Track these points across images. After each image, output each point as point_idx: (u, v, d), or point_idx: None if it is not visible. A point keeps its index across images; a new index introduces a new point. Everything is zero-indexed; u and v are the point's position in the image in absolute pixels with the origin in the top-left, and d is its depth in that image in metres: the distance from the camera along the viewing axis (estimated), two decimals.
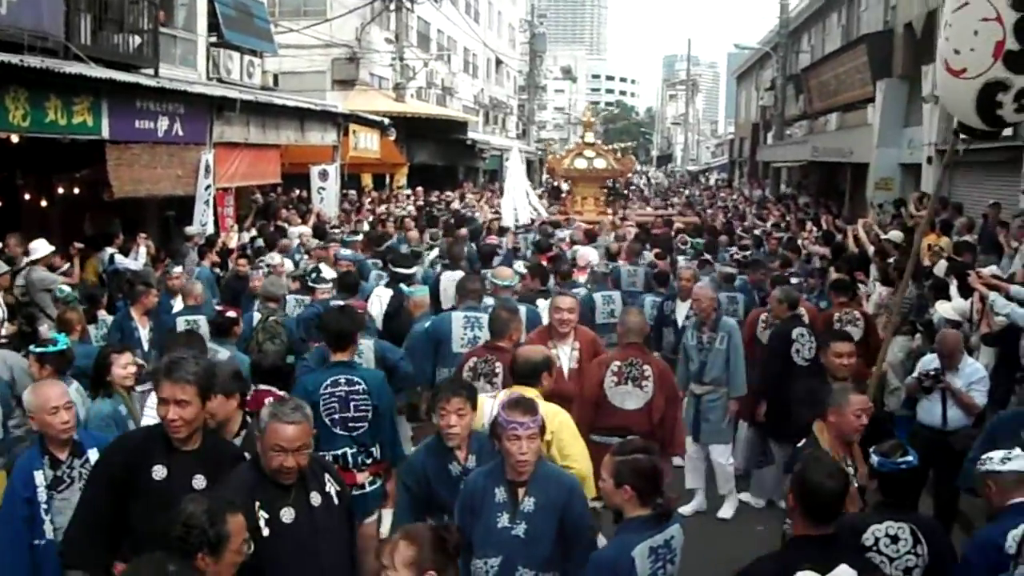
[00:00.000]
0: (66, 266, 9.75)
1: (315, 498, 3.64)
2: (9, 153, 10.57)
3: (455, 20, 36.79)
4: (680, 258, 12.24)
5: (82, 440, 4.34)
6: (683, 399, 6.86)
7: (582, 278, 9.73)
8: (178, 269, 9.25)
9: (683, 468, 7.26)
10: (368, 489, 5.14)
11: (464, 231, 13.15)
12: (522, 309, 6.79)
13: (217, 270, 10.90)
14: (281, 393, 5.00)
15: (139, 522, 3.56)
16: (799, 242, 13.96)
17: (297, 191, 18.84)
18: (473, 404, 4.23)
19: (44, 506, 4.15)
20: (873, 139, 19.74)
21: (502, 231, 14.28)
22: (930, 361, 6.56)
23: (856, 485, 4.33)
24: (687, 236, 14.15)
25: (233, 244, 12.53)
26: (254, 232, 13.65)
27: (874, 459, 3.87)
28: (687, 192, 38.41)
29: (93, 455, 4.19)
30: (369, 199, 21.00)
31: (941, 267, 9.40)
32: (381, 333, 7.44)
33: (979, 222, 12.27)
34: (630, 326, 6.06)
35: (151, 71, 13.19)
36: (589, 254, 10.91)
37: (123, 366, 5.28)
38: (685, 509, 6.88)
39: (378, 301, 8.16)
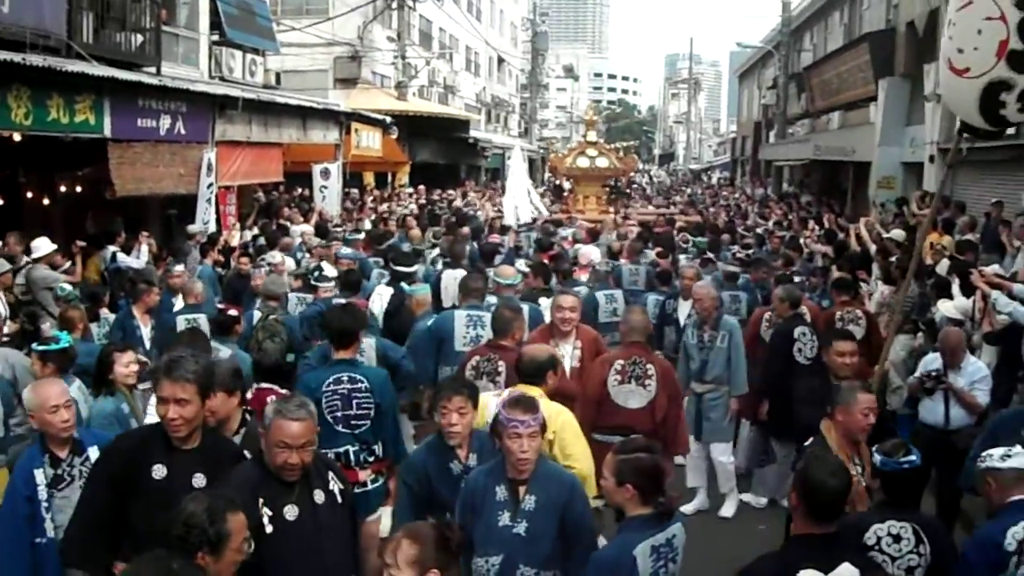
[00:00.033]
0: (67, 264, 9.77)
1: (319, 496, 3.64)
2: (11, 151, 10.58)
3: (457, 18, 36.80)
4: (682, 257, 12.22)
5: (82, 438, 4.34)
6: (684, 398, 6.86)
7: (583, 277, 9.73)
8: (179, 267, 9.26)
9: (684, 467, 7.26)
10: (370, 487, 5.15)
11: (466, 229, 13.15)
12: (525, 308, 6.78)
13: (219, 269, 10.91)
14: (283, 391, 5.00)
15: (139, 521, 3.55)
16: (801, 241, 13.93)
17: (299, 189, 18.84)
18: (474, 403, 4.23)
19: (45, 504, 4.16)
20: (875, 138, 19.74)
21: (504, 229, 14.27)
22: (932, 361, 6.55)
23: (864, 485, 4.33)
24: (689, 235, 14.13)
25: (235, 242, 12.54)
26: (256, 230, 13.67)
27: (877, 458, 3.86)
28: (689, 191, 38.37)
29: (93, 453, 4.19)
30: (371, 197, 21.00)
31: (943, 266, 9.39)
32: (383, 332, 7.44)
33: (982, 221, 12.26)
34: (633, 325, 6.05)
35: (153, 69, 13.20)
36: (591, 253, 10.90)
37: (125, 364, 5.29)
38: (687, 508, 6.88)
39: (379, 299, 8.16)
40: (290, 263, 10.52)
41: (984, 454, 3.91)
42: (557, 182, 28.90)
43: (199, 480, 3.61)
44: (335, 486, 3.74)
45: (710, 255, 11.63)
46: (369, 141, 20.24)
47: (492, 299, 7.12)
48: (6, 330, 7.19)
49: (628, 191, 29.91)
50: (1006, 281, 7.74)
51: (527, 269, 9.16)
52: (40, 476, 4.18)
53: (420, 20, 33.20)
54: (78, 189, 13.24)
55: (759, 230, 16.72)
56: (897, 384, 8.27)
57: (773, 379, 7.09)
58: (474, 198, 24.15)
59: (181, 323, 7.36)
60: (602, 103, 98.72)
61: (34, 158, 11.58)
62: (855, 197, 22.37)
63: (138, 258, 10.96)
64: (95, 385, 5.29)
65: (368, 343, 6.09)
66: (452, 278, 9.07)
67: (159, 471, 3.61)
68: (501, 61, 48.23)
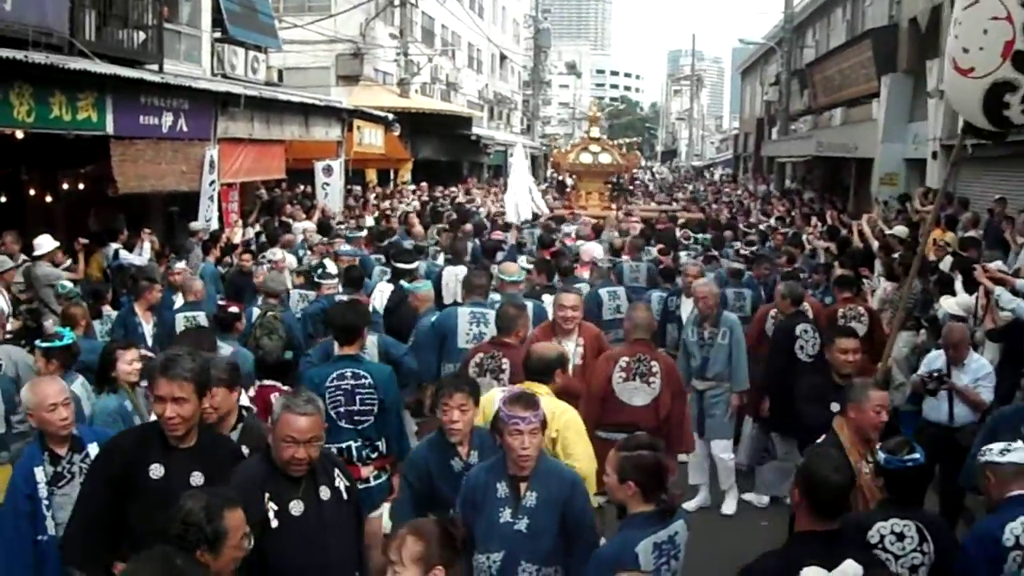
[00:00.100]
0: (68, 262, 9.78)
1: (324, 492, 3.64)
2: (14, 149, 10.58)
3: (459, 15, 36.79)
4: (683, 254, 12.19)
5: (82, 435, 4.33)
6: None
7: (585, 274, 9.72)
8: (180, 264, 9.25)
9: (687, 464, 7.26)
10: (373, 483, 5.16)
11: (469, 226, 13.15)
12: (529, 305, 6.78)
13: (220, 268, 10.91)
14: (285, 388, 5.00)
15: (138, 521, 3.53)
16: (804, 237, 13.92)
17: (301, 187, 18.84)
18: (476, 400, 4.23)
19: (45, 502, 4.15)
20: (878, 134, 19.71)
21: (506, 227, 14.26)
22: (935, 359, 6.53)
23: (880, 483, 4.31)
24: (690, 231, 14.10)
25: (237, 240, 12.54)
26: (258, 227, 13.67)
27: (880, 456, 3.84)
28: (692, 187, 38.37)
29: (93, 450, 4.19)
30: (374, 195, 20.99)
31: (946, 262, 9.38)
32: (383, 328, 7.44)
33: (985, 217, 12.24)
34: (638, 322, 6.04)
35: (155, 67, 13.19)
36: (593, 250, 10.89)
37: (128, 362, 5.28)
38: (689, 505, 6.88)
39: (380, 296, 8.16)
40: (292, 260, 10.52)
41: (984, 448, 3.90)
42: (560, 178, 28.88)
43: (197, 479, 3.59)
44: (341, 483, 3.74)
45: (714, 252, 11.62)
46: (371, 138, 20.23)
47: (495, 296, 7.12)
48: (9, 327, 7.19)
49: (631, 188, 29.91)
50: (1009, 277, 7.72)
51: (530, 266, 9.16)
52: (40, 474, 4.17)
53: (422, 17, 33.18)
54: (80, 186, 13.25)
55: (762, 227, 16.71)
56: (900, 381, 8.26)
57: (775, 376, 7.08)
58: (477, 195, 24.15)
59: (180, 321, 7.36)
60: (604, 100, 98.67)
61: (36, 156, 11.58)
62: (858, 193, 22.34)
63: (140, 255, 10.95)
64: (98, 382, 5.29)
65: (370, 340, 6.09)
66: (453, 275, 9.08)
67: (157, 471, 3.60)
68: (503, 58, 48.20)
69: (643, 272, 10.24)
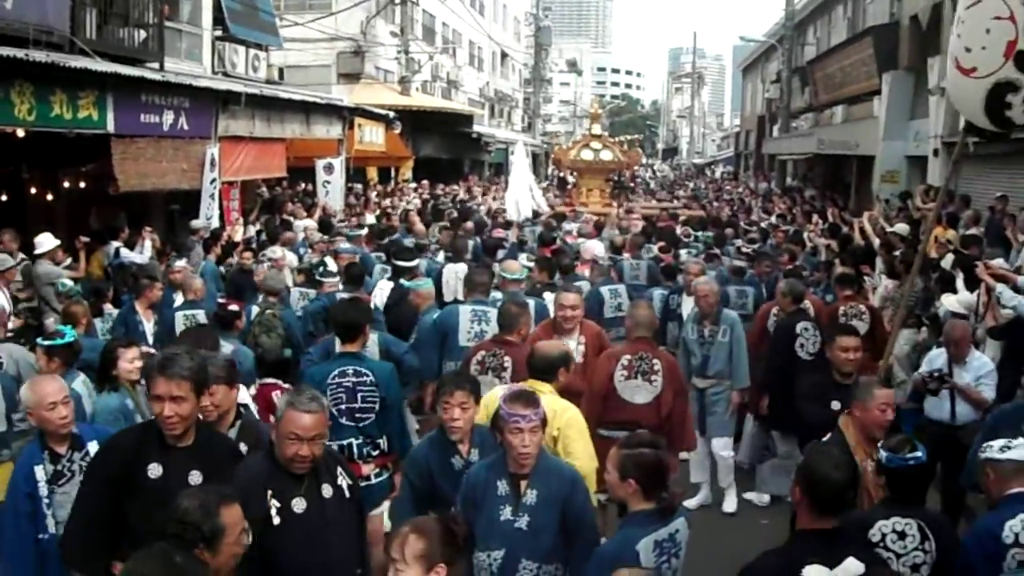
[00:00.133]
0: (69, 260, 9.78)
1: (327, 490, 3.64)
2: (14, 147, 10.57)
3: (460, 13, 36.73)
4: (684, 251, 12.18)
5: (82, 433, 4.33)
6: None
7: (586, 271, 9.71)
8: (180, 263, 9.24)
9: (688, 462, 7.25)
10: (374, 481, 5.16)
11: (469, 224, 13.14)
12: (530, 303, 6.78)
13: (221, 267, 10.90)
14: (285, 386, 5.00)
15: (136, 521, 3.53)
16: (805, 235, 13.91)
17: (303, 184, 18.84)
18: (477, 398, 4.23)
19: (46, 501, 4.15)
20: (879, 132, 19.70)
21: (507, 224, 14.25)
22: (936, 357, 6.52)
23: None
24: (691, 229, 14.09)
25: (238, 238, 12.54)
26: (259, 226, 13.66)
27: (882, 455, 3.82)
28: (693, 185, 38.34)
29: (93, 448, 4.18)
30: (375, 193, 20.99)
31: (948, 260, 9.37)
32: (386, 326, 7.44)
33: (986, 215, 12.23)
34: (639, 320, 6.02)
35: (156, 65, 13.18)
36: (594, 248, 10.87)
37: (129, 360, 5.28)
38: (690, 503, 6.88)
39: (380, 294, 8.16)
40: (292, 258, 10.51)
41: (984, 445, 3.90)
42: (561, 175, 28.87)
43: (195, 478, 3.58)
44: (343, 481, 3.74)
45: (715, 250, 11.61)
46: (372, 136, 20.23)
47: (497, 294, 7.11)
48: (10, 325, 7.20)
49: (632, 185, 29.92)
50: (1011, 274, 7.71)
51: (531, 264, 9.15)
52: (40, 472, 4.17)
53: (423, 15, 33.18)
54: (81, 185, 13.25)
55: (763, 224, 16.67)
56: (901, 379, 8.25)
57: (775, 374, 7.07)
58: (478, 193, 24.14)
59: (179, 319, 7.35)
60: (606, 97, 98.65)
61: (37, 154, 11.58)
62: (859, 191, 22.33)
63: (141, 253, 10.96)
64: (99, 381, 5.29)
65: (371, 338, 6.08)
66: (454, 272, 9.08)
67: (155, 470, 3.59)
68: (504, 56, 48.17)
69: (644, 270, 10.23)
